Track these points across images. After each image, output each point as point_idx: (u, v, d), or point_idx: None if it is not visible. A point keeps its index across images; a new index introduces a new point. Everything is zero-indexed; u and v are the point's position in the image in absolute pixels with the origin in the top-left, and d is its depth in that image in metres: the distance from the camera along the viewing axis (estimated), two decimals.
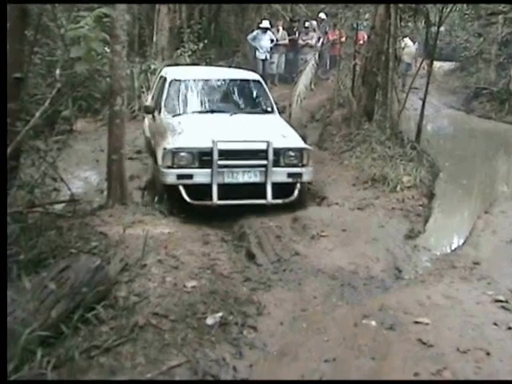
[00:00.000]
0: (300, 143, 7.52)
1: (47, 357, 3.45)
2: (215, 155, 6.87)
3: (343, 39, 15.76)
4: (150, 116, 8.82)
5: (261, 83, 9.06)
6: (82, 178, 8.86)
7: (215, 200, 6.90)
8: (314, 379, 3.67)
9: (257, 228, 6.39)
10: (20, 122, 5.11)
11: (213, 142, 6.87)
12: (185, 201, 6.86)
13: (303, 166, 7.32)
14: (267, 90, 9.13)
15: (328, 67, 18.88)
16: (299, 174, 7.29)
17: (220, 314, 4.28)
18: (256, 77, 9.36)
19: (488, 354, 3.91)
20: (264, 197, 7.06)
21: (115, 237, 5.44)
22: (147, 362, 3.67)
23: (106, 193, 6.84)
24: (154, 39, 16.02)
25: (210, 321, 4.18)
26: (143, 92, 13.11)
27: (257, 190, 7.06)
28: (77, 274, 4.01)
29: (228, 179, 7.03)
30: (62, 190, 6.49)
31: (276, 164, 7.13)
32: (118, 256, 4.94)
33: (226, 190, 6.94)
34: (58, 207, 6.20)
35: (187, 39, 16.25)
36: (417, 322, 4.30)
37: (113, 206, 6.52)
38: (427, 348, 3.96)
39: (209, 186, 6.91)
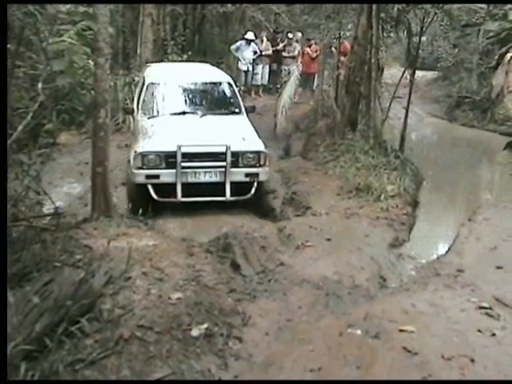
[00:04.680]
0: (258, 146, 8.11)
1: (31, 371, 3.44)
2: (179, 158, 7.65)
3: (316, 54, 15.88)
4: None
5: (231, 85, 9.62)
6: (66, 191, 8.82)
7: (179, 197, 7.71)
8: None
9: (242, 239, 6.36)
10: None
11: (177, 146, 7.62)
12: (152, 198, 7.62)
13: (260, 166, 8.00)
14: (237, 91, 9.71)
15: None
16: (256, 174, 7.98)
17: (205, 326, 4.27)
18: (227, 79, 9.89)
19: (472, 360, 3.94)
20: (223, 194, 7.82)
21: (100, 250, 5.40)
22: (132, 375, 3.66)
23: (90, 205, 6.81)
24: (138, 51, 15.99)
25: (195, 332, 4.17)
26: (127, 104, 13.08)
27: (217, 188, 7.79)
28: (61, 288, 3.98)
29: (191, 179, 7.81)
30: (45, 204, 6.45)
31: (235, 165, 7.86)
32: (103, 269, 4.91)
33: (190, 189, 7.71)
34: (43, 220, 6.16)
35: (171, 51, 16.28)
36: (402, 330, 4.32)
37: (97, 219, 6.49)
38: (412, 356, 3.99)
39: (174, 185, 7.69)
